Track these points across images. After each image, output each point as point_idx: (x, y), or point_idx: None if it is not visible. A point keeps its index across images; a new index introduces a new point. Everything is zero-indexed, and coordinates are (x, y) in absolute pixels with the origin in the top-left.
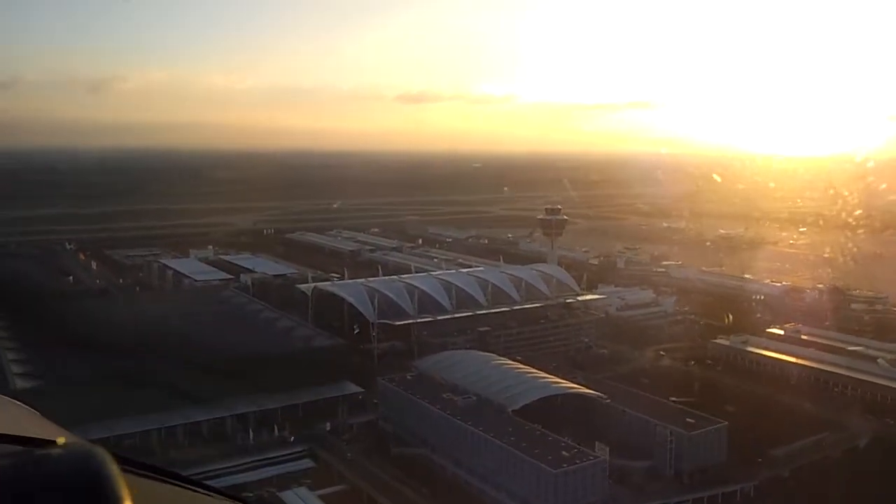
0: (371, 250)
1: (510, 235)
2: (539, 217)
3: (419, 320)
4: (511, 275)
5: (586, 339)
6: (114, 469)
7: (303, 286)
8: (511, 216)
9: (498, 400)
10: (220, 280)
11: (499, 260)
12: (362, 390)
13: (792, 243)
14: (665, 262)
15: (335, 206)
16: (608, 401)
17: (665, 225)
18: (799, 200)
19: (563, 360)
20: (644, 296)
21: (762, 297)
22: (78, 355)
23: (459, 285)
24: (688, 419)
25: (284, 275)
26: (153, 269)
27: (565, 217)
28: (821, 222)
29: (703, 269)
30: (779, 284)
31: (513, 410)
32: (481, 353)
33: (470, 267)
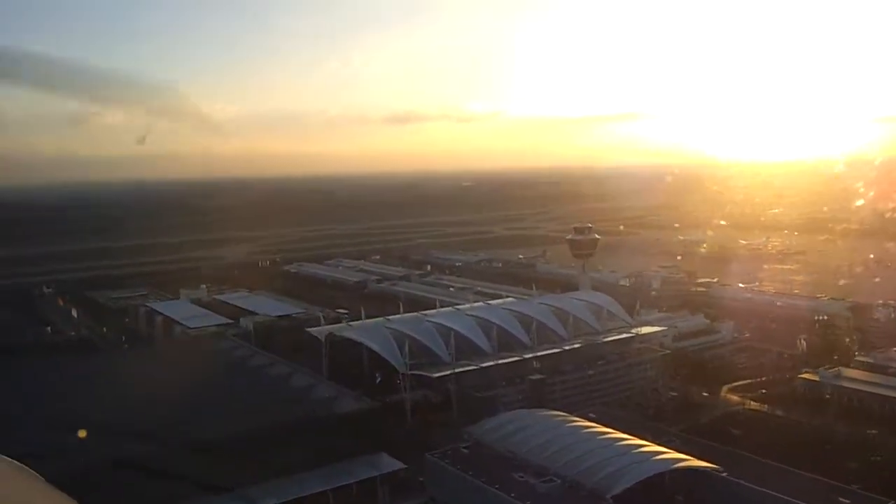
0: (378, 280)
1: (521, 256)
2: (568, 238)
3: (459, 370)
4: (553, 307)
5: (655, 382)
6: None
7: (314, 330)
8: (514, 235)
9: (590, 482)
10: (216, 326)
11: (520, 286)
12: (403, 466)
13: (820, 252)
14: (702, 280)
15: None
16: (724, 474)
17: (682, 238)
18: (806, 207)
19: (632, 411)
20: (697, 322)
21: (824, 318)
22: (44, 433)
23: (497, 322)
24: (841, 499)
25: (289, 315)
26: (140, 315)
27: (597, 236)
28: (838, 229)
29: (746, 285)
30: (841, 301)
31: (613, 497)
32: (550, 413)
33: (493, 296)
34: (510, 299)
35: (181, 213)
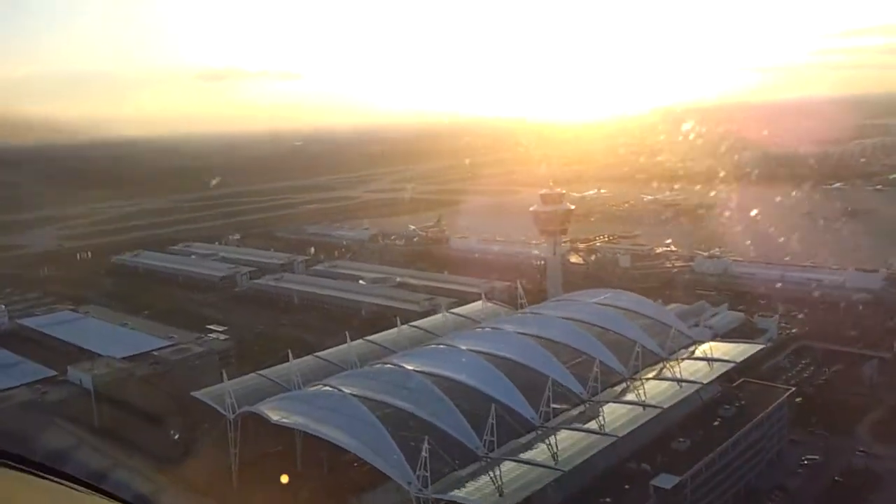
0: (252, 274)
1: (413, 227)
2: (532, 209)
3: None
4: (581, 322)
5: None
6: None
7: (213, 401)
8: (382, 200)
9: None
10: (28, 385)
11: (445, 270)
12: None
13: (734, 206)
14: (663, 250)
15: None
16: None
17: (586, 193)
18: (669, 158)
19: None
20: (730, 318)
21: (868, 296)
22: None
23: (523, 362)
24: None
25: (149, 353)
26: None
27: (571, 206)
28: (720, 179)
29: (722, 254)
30: (874, 273)
31: None
32: None
33: (428, 291)
34: (489, 305)
35: None
